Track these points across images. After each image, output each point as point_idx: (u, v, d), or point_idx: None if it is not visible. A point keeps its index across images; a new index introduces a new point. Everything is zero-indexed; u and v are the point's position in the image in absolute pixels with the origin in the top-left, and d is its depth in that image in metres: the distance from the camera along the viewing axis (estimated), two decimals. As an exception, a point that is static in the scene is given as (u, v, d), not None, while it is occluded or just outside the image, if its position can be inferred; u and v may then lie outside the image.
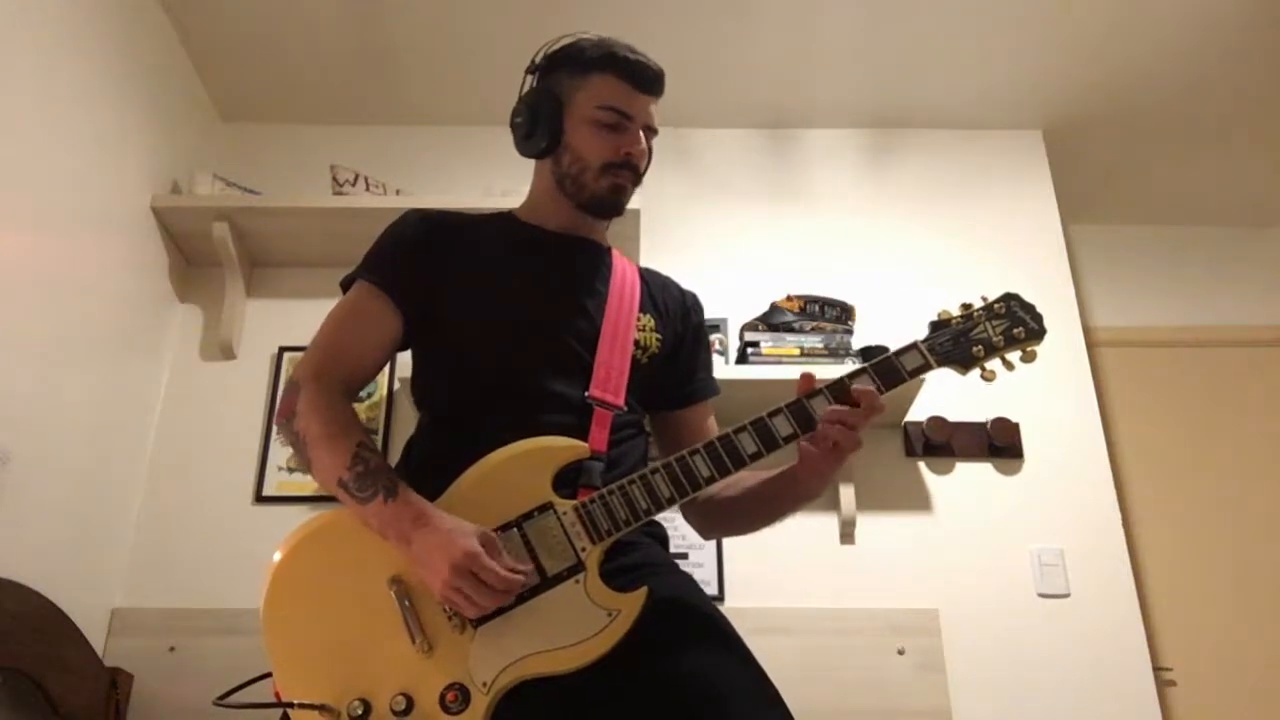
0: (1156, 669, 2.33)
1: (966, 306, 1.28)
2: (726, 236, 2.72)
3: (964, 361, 1.25)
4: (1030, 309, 1.28)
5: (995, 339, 1.25)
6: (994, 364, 1.26)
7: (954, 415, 2.44)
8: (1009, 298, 1.29)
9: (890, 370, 1.22)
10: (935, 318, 1.28)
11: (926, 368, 1.24)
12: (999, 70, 2.68)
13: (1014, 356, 1.27)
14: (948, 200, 2.79)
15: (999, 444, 2.43)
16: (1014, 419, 2.46)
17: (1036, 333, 1.26)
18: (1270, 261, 3.25)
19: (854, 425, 1.18)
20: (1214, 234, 3.28)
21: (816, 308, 2.41)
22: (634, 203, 2.32)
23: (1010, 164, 2.85)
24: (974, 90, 2.76)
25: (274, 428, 2.40)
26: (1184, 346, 3.11)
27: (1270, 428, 2.99)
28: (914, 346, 1.25)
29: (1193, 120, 2.83)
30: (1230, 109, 2.78)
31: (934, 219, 2.76)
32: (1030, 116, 2.85)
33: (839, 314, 2.42)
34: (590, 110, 1.33)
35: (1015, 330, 1.26)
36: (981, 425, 2.46)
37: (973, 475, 2.44)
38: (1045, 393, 2.51)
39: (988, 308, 1.28)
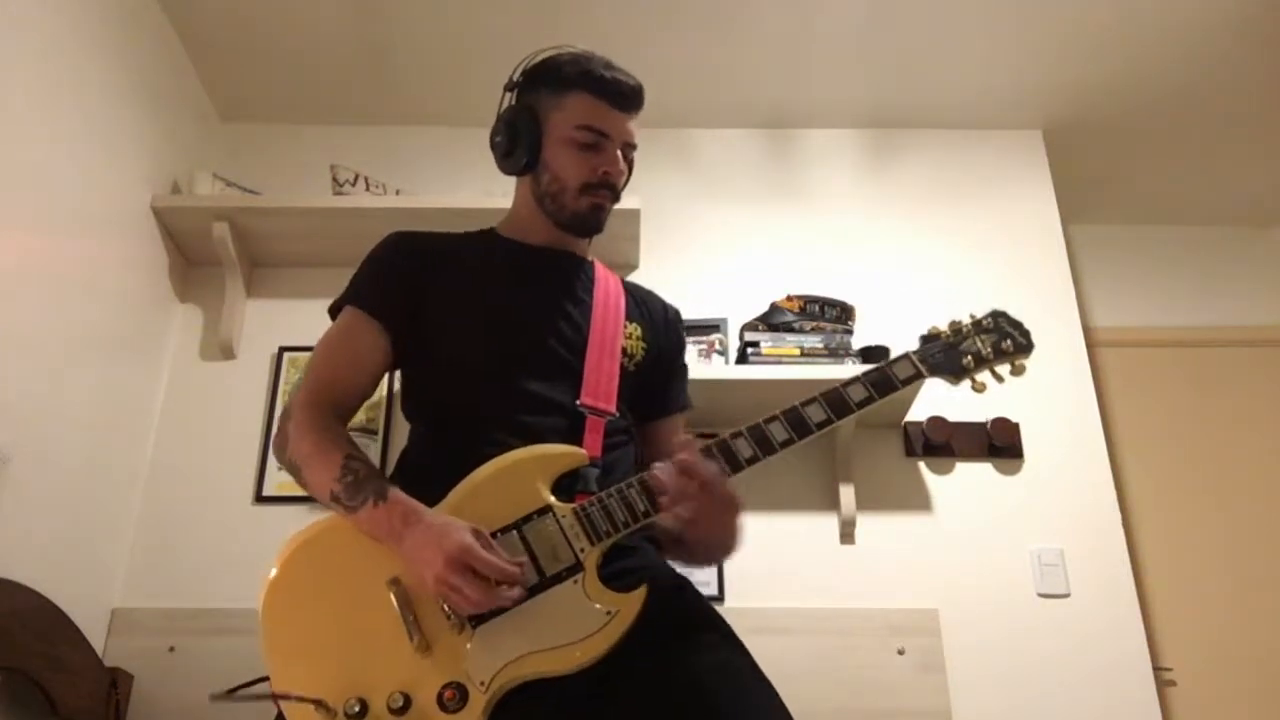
0: (1156, 669, 2.33)
1: (955, 323, 1.33)
2: (726, 236, 2.72)
3: (954, 372, 1.29)
4: (1018, 325, 1.33)
5: (985, 351, 1.30)
6: (984, 376, 1.31)
7: (954, 415, 2.43)
8: (997, 315, 1.33)
9: (883, 379, 1.26)
10: (925, 332, 1.33)
11: (918, 377, 1.28)
12: (999, 70, 2.68)
13: (1003, 370, 1.31)
14: (948, 200, 2.79)
15: (999, 444, 2.43)
16: (1014, 419, 2.46)
17: (1024, 347, 1.31)
18: (1270, 261, 3.25)
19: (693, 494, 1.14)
20: (1214, 234, 3.28)
21: (816, 308, 2.41)
22: (634, 203, 2.37)
23: (1010, 164, 2.85)
24: (974, 90, 2.76)
25: (277, 413, 2.40)
26: (1184, 346, 3.11)
27: (1270, 428, 2.99)
28: (906, 357, 1.29)
29: (1192, 120, 2.83)
30: (1230, 109, 2.78)
31: (934, 219, 2.76)
32: (1030, 116, 2.85)
33: (839, 314, 2.42)
34: (568, 130, 1.33)
35: (1004, 344, 1.30)
36: (981, 425, 2.46)
37: (973, 475, 2.44)
38: (1045, 393, 2.51)
39: (976, 324, 1.33)
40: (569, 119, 1.34)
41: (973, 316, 1.33)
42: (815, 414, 1.21)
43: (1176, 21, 2.47)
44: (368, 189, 2.50)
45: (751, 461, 1.19)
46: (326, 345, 1.34)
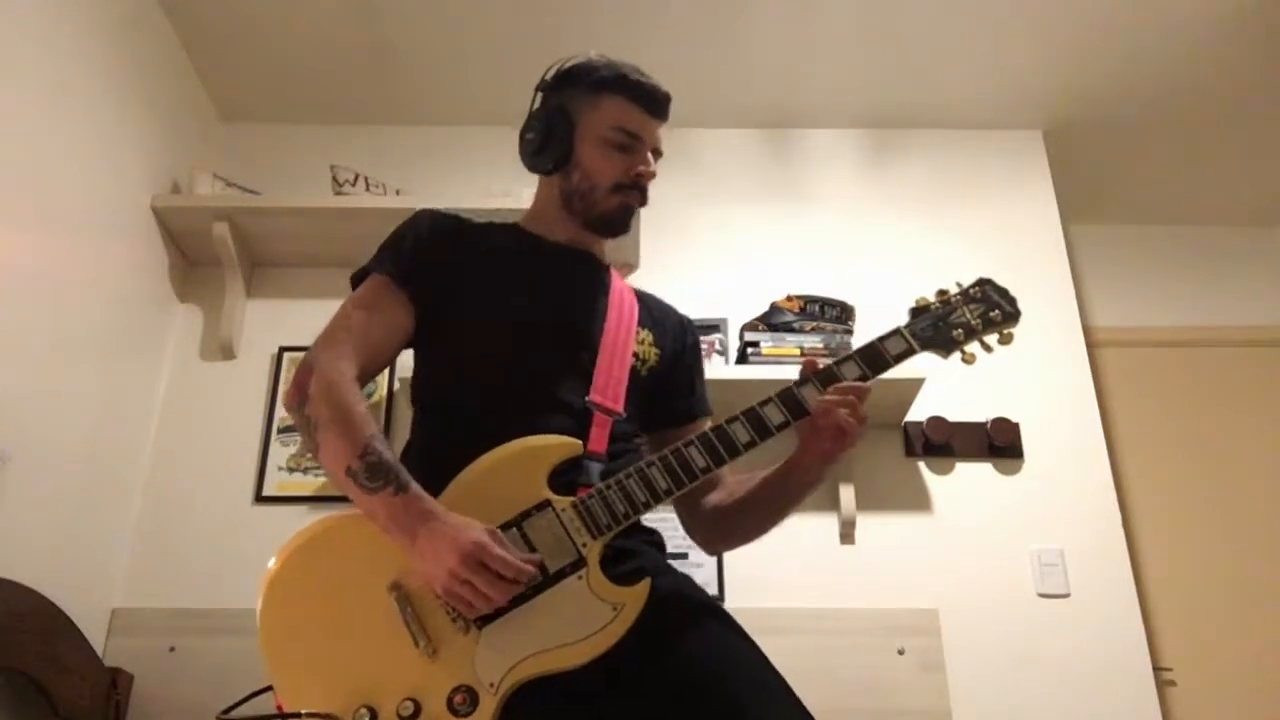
0: (1156, 669, 2.33)
1: (943, 293, 1.33)
2: (726, 236, 2.72)
3: (945, 345, 1.29)
4: (1004, 292, 1.33)
5: (974, 322, 1.30)
6: (973, 347, 1.30)
7: (954, 415, 2.44)
8: (983, 282, 1.34)
9: (876, 356, 1.27)
10: (914, 304, 1.32)
11: (910, 352, 1.28)
12: (999, 70, 2.68)
13: (992, 339, 1.31)
14: (948, 200, 2.79)
15: (999, 444, 2.43)
16: (1014, 419, 2.46)
17: (1011, 315, 1.32)
18: (1270, 261, 3.25)
19: (853, 406, 1.21)
20: (1214, 234, 3.28)
21: (816, 308, 2.41)
22: (634, 203, 2.36)
23: (1010, 164, 2.85)
24: (974, 90, 2.76)
25: (277, 413, 2.40)
26: (1184, 346, 3.11)
27: (1270, 428, 2.99)
28: (897, 332, 1.29)
29: (1192, 120, 2.83)
30: (1230, 109, 2.78)
31: (934, 219, 2.76)
32: (1030, 116, 2.85)
33: (839, 314, 2.42)
34: (603, 130, 1.36)
35: (992, 313, 1.31)
36: (981, 425, 2.46)
37: (973, 475, 2.44)
38: (1045, 393, 2.51)
39: (964, 292, 1.33)
40: (604, 119, 1.36)
41: (960, 285, 1.33)
42: (810, 395, 1.23)
43: (1176, 21, 2.47)
44: (368, 189, 2.49)
45: (749, 446, 1.21)
46: (353, 307, 1.31)
